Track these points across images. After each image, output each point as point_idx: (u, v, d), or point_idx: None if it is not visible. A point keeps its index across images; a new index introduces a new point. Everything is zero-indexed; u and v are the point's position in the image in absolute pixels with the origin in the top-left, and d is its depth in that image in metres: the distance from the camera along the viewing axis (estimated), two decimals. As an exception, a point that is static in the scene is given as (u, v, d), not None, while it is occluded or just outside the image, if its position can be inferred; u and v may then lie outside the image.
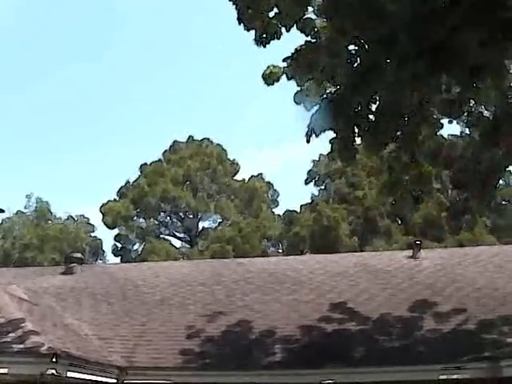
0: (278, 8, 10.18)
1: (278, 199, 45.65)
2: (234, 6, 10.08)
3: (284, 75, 10.92)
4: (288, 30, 10.38)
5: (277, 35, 10.36)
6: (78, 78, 57.06)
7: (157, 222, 44.42)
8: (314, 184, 41.87)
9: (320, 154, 39.66)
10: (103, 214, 42.21)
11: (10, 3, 57.81)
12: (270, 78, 10.97)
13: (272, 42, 10.43)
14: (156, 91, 58.37)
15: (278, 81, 11.02)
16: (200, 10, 58.34)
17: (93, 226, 46.14)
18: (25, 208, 45.73)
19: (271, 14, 10.31)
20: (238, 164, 45.38)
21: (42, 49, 58.59)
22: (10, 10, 51.13)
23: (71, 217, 46.28)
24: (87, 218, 46.59)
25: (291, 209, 39.47)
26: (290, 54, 10.67)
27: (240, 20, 10.13)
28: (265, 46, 10.42)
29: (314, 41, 10.68)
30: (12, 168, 53.22)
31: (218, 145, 44.50)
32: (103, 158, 57.49)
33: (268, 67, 11.02)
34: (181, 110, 57.88)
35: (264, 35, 10.27)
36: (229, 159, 44.88)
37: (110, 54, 58.77)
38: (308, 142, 10.61)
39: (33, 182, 64.58)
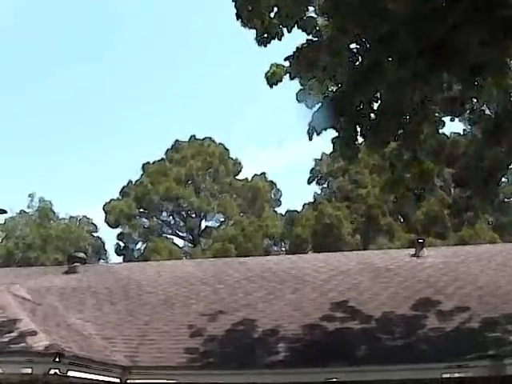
0: (278, 8, 10.18)
1: (281, 199, 45.67)
2: (234, 4, 10.07)
3: (287, 75, 10.92)
4: (289, 31, 10.38)
5: (278, 36, 10.37)
6: (78, 78, 57.05)
7: (159, 221, 44.45)
8: (317, 183, 41.87)
9: (322, 153, 39.68)
10: (106, 213, 42.25)
11: (10, 3, 57.81)
12: (272, 77, 10.98)
13: (273, 41, 10.44)
14: (156, 91, 58.40)
15: (281, 81, 11.02)
16: (200, 10, 58.33)
17: (95, 225, 46.21)
18: (27, 208, 45.79)
19: (272, 14, 10.30)
20: (240, 163, 45.40)
21: (42, 49, 58.60)
22: (9, 9, 51.10)
23: (73, 217, 46.31)
24: (90, 218, 46.64)
25: (292, 209, 39.55)
26: (291, 53, 10.68)
27: (238, 16, 10.13)
28: (266, 46, 10.42)
29: (315, 39, 10.68)
30: (13, 168, 53.15)
31: (220, 144, 44.52)
32: (103, 158, 57.49)
33: (271, 67, 11.02)
34: (181, 110, 57.94)
35: (265, 35, 10.27)
36: (231, 158, 44.89)
37: (110, 54, 58.78)
38: (310, 139, 10.62)
39: (34, 181, 64.70)
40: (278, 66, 10.96)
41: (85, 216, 46.57)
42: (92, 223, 46.31)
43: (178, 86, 59.49)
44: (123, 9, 56.93)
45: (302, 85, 11.06)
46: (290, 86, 11.16)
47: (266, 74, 11.08)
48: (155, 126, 57.49)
